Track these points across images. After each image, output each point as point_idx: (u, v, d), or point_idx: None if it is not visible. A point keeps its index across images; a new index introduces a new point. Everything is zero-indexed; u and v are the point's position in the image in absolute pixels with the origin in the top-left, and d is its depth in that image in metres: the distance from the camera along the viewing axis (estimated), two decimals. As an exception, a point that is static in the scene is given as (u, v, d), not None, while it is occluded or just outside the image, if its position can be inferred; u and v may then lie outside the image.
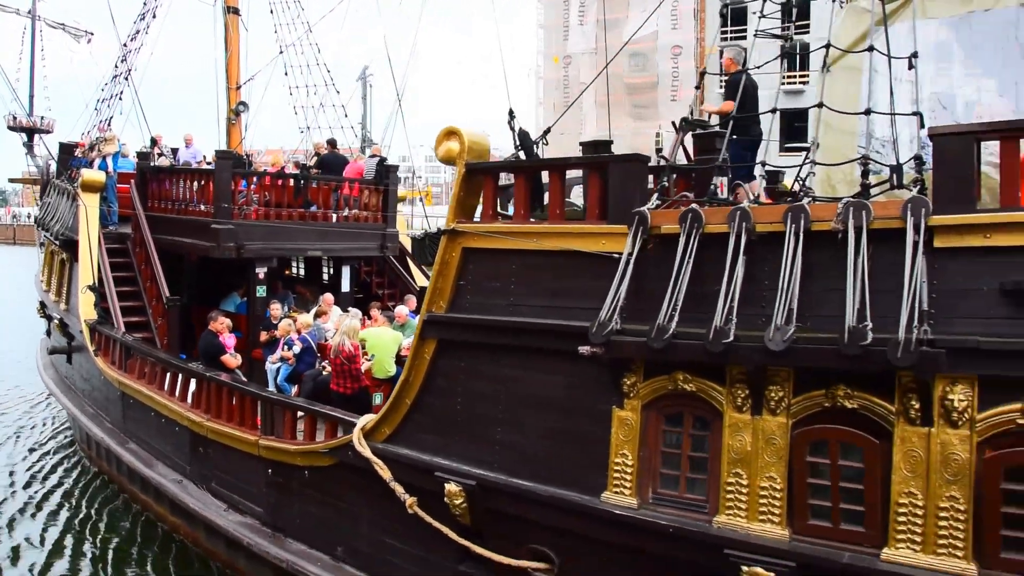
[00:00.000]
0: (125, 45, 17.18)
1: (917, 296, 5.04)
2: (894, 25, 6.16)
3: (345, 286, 15.11)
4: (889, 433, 5.28)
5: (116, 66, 17.23)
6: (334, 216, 14.38)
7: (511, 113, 7.78)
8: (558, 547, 6.81)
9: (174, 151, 17.61)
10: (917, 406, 5.17)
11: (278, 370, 12.32)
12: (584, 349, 6.25)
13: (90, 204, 13.46)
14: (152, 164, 15.06)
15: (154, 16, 17.18)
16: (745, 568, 5.58)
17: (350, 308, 13.29)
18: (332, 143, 15.65)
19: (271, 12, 17.04)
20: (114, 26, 18.24)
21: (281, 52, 16.88)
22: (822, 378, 5.50)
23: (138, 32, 17.32)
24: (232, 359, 10.90)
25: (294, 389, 11.81)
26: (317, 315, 13.11)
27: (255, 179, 13.65)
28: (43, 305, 16.61)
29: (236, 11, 16.35)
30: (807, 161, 6.15)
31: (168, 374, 11.13)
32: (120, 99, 16.72)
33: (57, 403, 16.02)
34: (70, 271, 14.81)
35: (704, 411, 6.03)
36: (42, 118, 23.39)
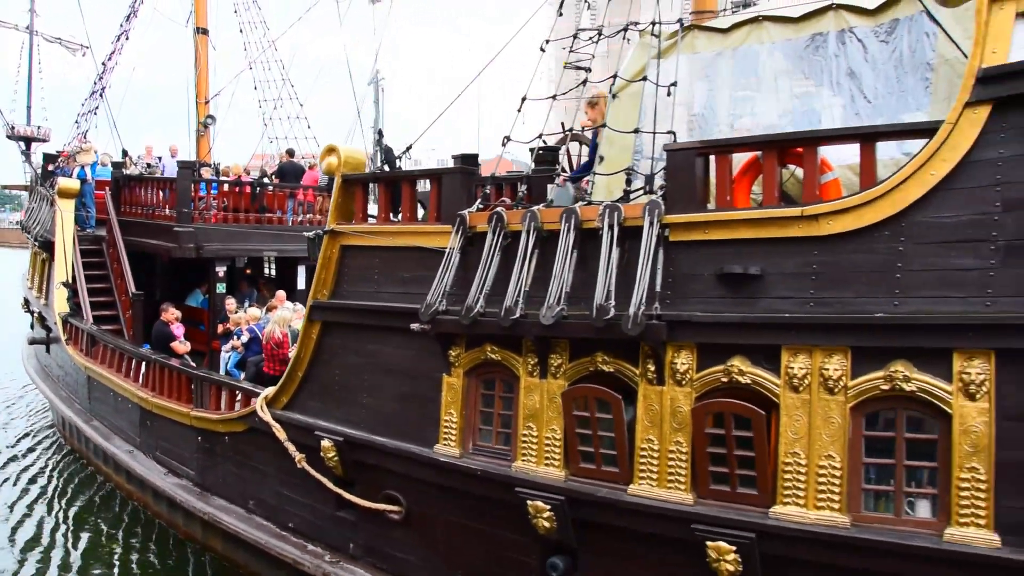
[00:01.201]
0: (103, 64, 18.53)
1: (647, 279, 6.16)
2: (670, 58, 7.26)
3: (300, 284, 16.29)
4: (635, 391, 6.41)
5: (94, 83, 18.56)
6: (289, 220, 15.59)
7: (380, 133, 8.99)
8: (405, 492, 7.99)
9: (159, 159, 18.88)
10: (653, 369, 6.28)
11: (230, 357, 13.58)
12: (414, 326, 7.43)
13: (66, 209, 14.78)
14: (125, 173, 16.37)
15: (127, 38, 18.51)
16: (529, 502, 6.73)
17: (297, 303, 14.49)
18: (291, 153, 16.87)
19: (240, 31, 18.33)
20: (89, 47, 19.26)
21: (251, 68, 18.17)
22: (588, 348, 6.63)
23: (114, 52, 18.64)
24: (180, 345, 12.15)
25: (242, 374, 13.04)
26: (268, 309, 14.32)
27: (213, 186, 14.91)
28: (27, 301, 17.96)
29: (205, 31, 17.64)
30: (592, 172, 7.30)
31: (123, 358, 12.40)
32: (96, 114, 18.03)
33: (37, 389, 17.36)
34: (49, 269, 16.13)
35: (508, 376, 7.17)
36: (39, 127, 24.73)
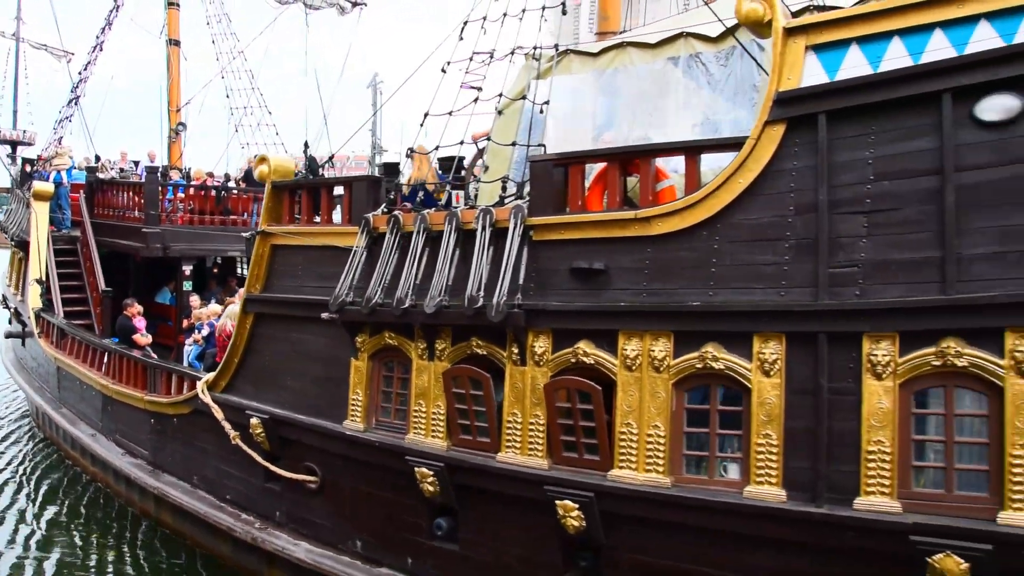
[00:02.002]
0: (79, 73, 19.32)
1: (511, 273, 6.90)
2: (548, 79, 8.01)
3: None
4: (502, 371, 7.15)
5: (71, 91, 19.34)
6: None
7: (306, 144, 9.73)
8: (320, 463, 8.74)
9: (136, 164, 19.63)
10: (517, 351, 7.03)
11: (192, 350, 14.31)
12: (325, 315, 8.19)
13: (40, 210, 15.52)
14: (98, 177, 17.10)
15: (101, 49, 19.25)
16: (416, 469, 7.48)
17: None
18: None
19: (212, 42, 19.10)
20: (73, 54, 19.93)
21: (222, 77, 18.95)
22: (466, 333, 7.37)
23: (89, 63, 19.41)
24: (141, 338, 12.88)
25: (202, 365, 13.78)
26: (225, 305, 15.05)
27: (180, 190, 15.64)
28: (4, 298, 18.71)
29: (177, 43, 18.38)
30: (475, 180, 8.05)
31: (88, 349, 13.15)
32: (71, 120, 18.80)
33: (13, 381, 18.09)
34: (24, 267, 16.87)
35: (403, 359, 7.92)
36: (24, 132, 25.44)
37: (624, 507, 6.40)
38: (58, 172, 16.44)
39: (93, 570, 10.19)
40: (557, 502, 6.60)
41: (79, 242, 16.04)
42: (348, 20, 19.99)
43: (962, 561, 5.10)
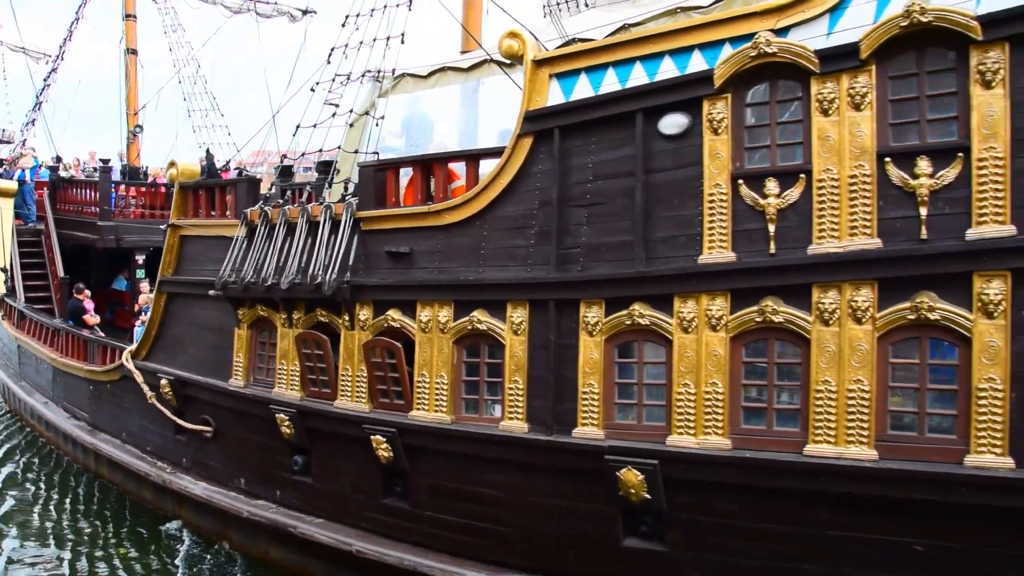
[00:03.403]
0: (44, 80, 20.83)
1: (341, 256, 8.42)
2: (387, 97, 9.52)
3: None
4: (339, 335, 8.67)
5: (36, 97, 20.85)
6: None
7: (208, 151, 11.25)
8: (213, 415, 10.30)
9: (103, 162, 21.08)
10: (348, 319, 8.55)
11: (140, 330, 15.88)
12: (211, 292, 9.72)
13: (4, 206, 17.07)
14: (60, 175, 18.64)
15: (62, 59, 20.76)
16: (278, 415, 9.03)
17: None
18: (208, 153, 19.02)
19: (170, 50, 20.64)
20: (51, 56, 21.16)
21: (180, 82, 20.46)
22: (313, 305, 8.89)
23: (53, 70, 20.90)
24: (90, 318, 14.43)
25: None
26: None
27: (131, 188, 17.19)
28: None
29: (134, 52, 19.84)
30: (330, 182, 9.55)
31: (43, 329, 14.74)
32: (35, 124, 20.34)
33: None
34: (-9, 258, 18.50)
35: (271, 327, 9.45)
36: (3, 131, 26.80)
37: (420, 440, 7.95)
38: (22, 171, 17.95)
39: (37, 516, 11.73)
40: (372, 437, 8.15)
41: (43, 234, 17.58)
42: (299, 27, 21.44)
43: (639, 473, 6.62)
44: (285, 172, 11.36)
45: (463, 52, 11.24)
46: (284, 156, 10.84)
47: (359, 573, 8.60)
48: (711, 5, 7.42)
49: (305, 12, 20.81)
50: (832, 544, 6.12)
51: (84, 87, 23.82)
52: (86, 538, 10.74)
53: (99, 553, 10.29)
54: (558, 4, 12.45)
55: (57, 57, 20.65)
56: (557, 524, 7.26)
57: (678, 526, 6.70)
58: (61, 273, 16.26)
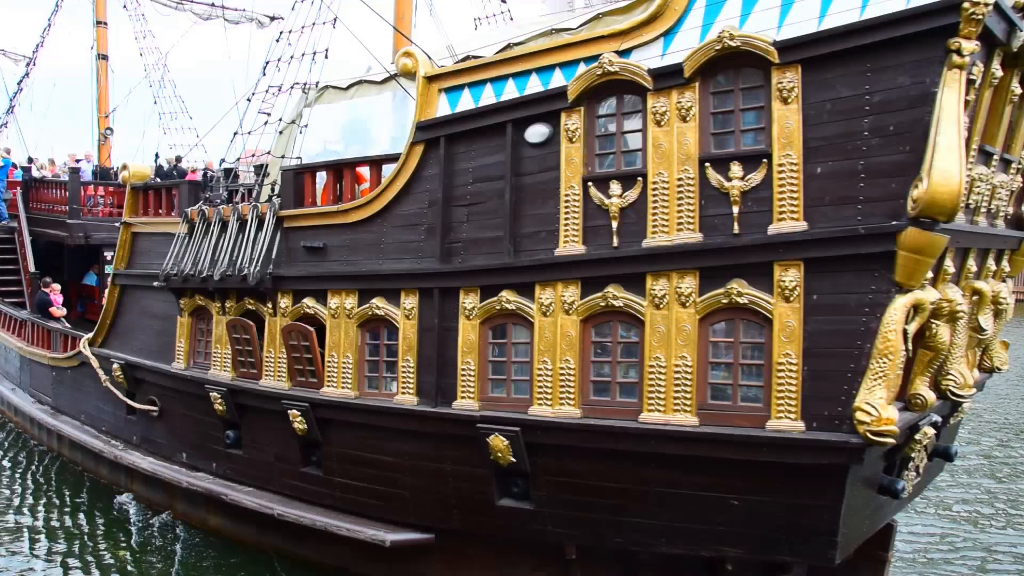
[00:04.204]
0: (18, 83, 21.66)
1: (265, 250, 9.30)
2: (313, 107, 10.39)
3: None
4: (264, 321, 9.55)
5: (10, 100, 21.71)
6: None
7: (156, 155, 12.12)
8: (159, 395, 11.20)
9: (79, 161, 21.92)
10: (271, 307, 9.43)
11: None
12: (156, 283, 10.61)
13: (-24, 206, 17.98)
14: (32, 175, 19.49)
15: (34, 64, 21.57)
16: (211, 394, 9.90)
17: None
18: (178, 159, 19.90)
19: (140, 55, 21.47)
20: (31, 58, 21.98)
21: (150, 86, 21.30)
22: (243, 294, 9.76)
23: (25, 75, 21.76)
24: (56, 310, 15.28)
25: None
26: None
27: (100, 187, 18.03)
28: None
29: (105, 57, 20.64)
30: (259, 185, 10.41)
31: (11, 320, 15.64)
32: (7, 127, 21.19)
33: None
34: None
35: (208, 315, 10.33)
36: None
37: (329, 413, 8.84)
38: (-8, 171, 18.82)
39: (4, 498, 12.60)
40: (289, 412, 9.04)
41: (16, 232, 18.42)
42: (267, 33, 22.20)
43: (504, 439, 7.50)
44: (228, 174, 12.20)
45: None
46: (223, 160, 11.74)
47: (282, 534, 9.53)
48: (579, 27, 8.27)
49: (272, 18, 21.62)
50: (664, 499, 7.02)
51: (59, 88, 24.57)
52: (41, 509, 11.66)
53: (55, 524, 11.19)
54: (487, 17, 13.39)
55: (30, 62, 21.48)
56: (443, 486, 8.15)
57: (541, 486, 7.59)
58: (32, 268, 17.09)
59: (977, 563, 10.30)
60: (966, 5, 5.63)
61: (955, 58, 5.75)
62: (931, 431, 7.31)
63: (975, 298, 7.48)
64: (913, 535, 11.08)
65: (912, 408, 6.95)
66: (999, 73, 6.55)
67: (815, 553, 6.86)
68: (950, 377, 7.47)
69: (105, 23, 20.12)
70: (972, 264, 7.37)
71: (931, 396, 7.00)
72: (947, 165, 5.74)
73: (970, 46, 5.73)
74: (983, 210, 7.27)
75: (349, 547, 8.84)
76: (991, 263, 7.90)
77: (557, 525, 7.63)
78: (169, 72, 21.29)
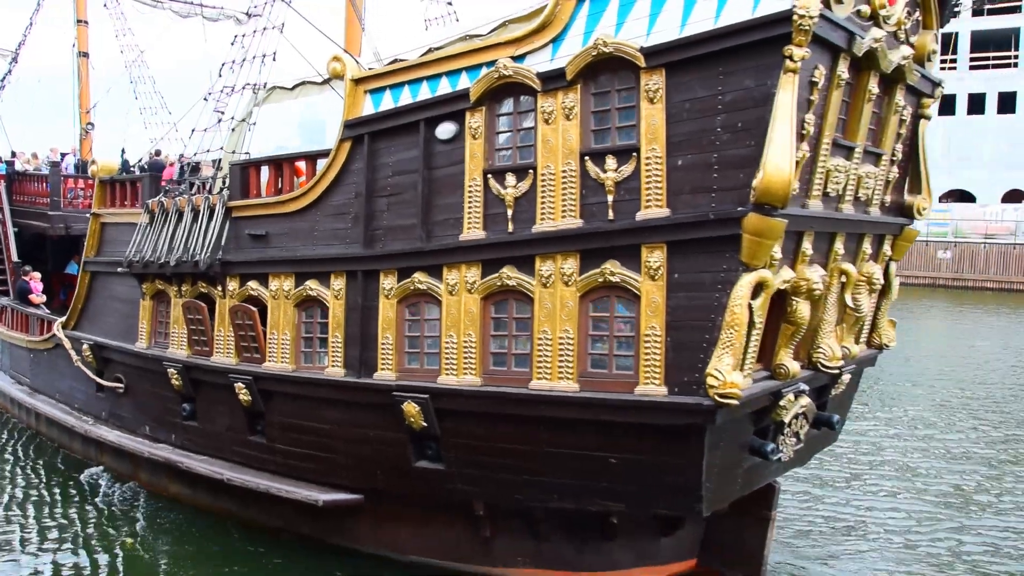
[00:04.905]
0: (2, 79, 22.69)
1: (215, 238, 10.31)
2: (262, 106, 11.40)
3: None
4: (215, 302, 10.57)
5: None
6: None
7: (123, 150, 13.14)
8: (124, 373, 12.24)
9: (63, 155, 23.01)
10: (221, 289, 10.44)
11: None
12: (119, 269, 11.65)
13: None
14: (15, 169, 20.58)
15: (16, 62, 22.61)
16: (169, 370, 10.93)
17: None
18: (157, 152, 20.91)
19: (121, 52, 22.51)
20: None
21: (131, 82, 22.34)
22: (196, 279, 10.78)
23: (9, 72, 22.79)
24: (36, 297, 16.37)
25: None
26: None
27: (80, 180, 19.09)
28: None
29: (86, 55, 21.66)
30: (214, 177, 11.42)
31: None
32: None
33: None
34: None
35: (167, 298, 11.36)
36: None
37: (270, 386, 9.85)
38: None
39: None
40: (235, 385, 10.07)
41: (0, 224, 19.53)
42: (245, 30, 23.14)
43: (416, 406, 8.50)
44: (193, 167, 13.24)
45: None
46: (181, 155, 12.74)
47: (232, 498, 10.57)
48: (488, 33, 9.21)
49: (250, 15, 22.44)
50: (553, 459, 8.00)
51: (43, 85, 25.69)
52: (20, 482, 12.75)
53: (33, 496, 12.28)
54: (436, 18, 14.36)
55: (12, 60, 22.55)
56: (368, 450, 9.16)
57: (449, 449, 8.58)
58: (15, 258, 18.19)
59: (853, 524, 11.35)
60: (795, 17, 6.57)
61: (788, 63, 6.67)
62: (805, 400, 8.27)
63: (843, 279, 8.43)
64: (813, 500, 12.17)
65: (776, 377, 7.91)
66: (845, 75, 7.46)
67: (685, 506, 7.84)
68: (820, 350, 8.43)
69: (86, 22, 21.15)
70: (840, 247, 8.30)
71: (794, 366, 7.94)
72: (778, 158, 6.67)
73: (800, 52, 6.65)
74: (848, 198, 8.21)
75: (292, 508, 9.86)
76: (867, 246, 8.83)
77: (465, 484, 8.63)
78: (148, 69, 22.33)
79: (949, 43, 53.34)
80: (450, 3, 14.01)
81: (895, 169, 9.08)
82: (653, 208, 7.36)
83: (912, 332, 28.76)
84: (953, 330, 33.78)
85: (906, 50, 8.12)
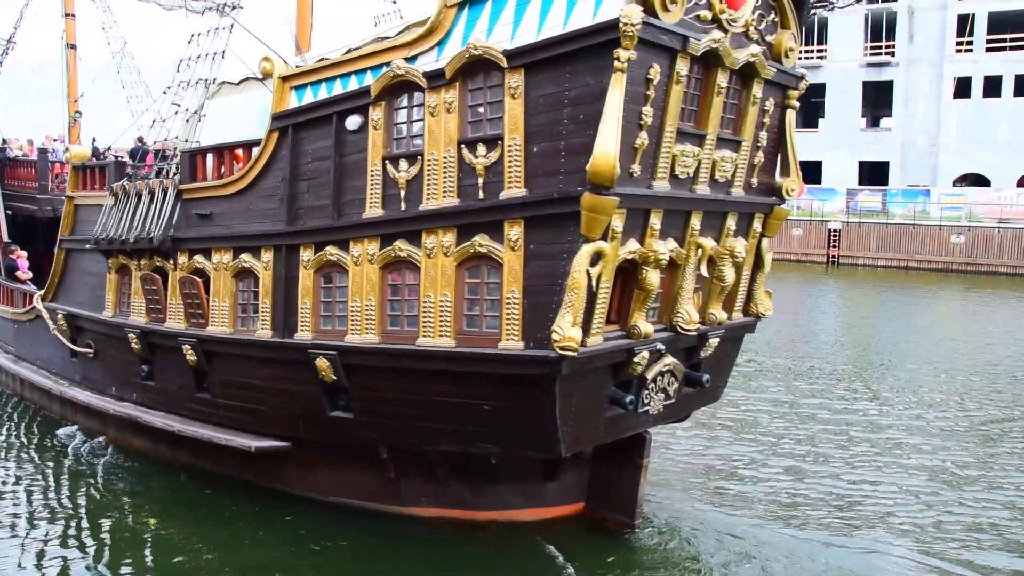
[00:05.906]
0: None
1: (167, 218, 12.14)
2: (215, 99, 13.19)
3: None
4: (167, 274, 12.40)
5: None
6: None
7: (94, 139, 15.02)
8: (94, 340, 14.16)
9: (55, 141, 25.06)
10: (173, 263, 12.27)
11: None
12: (88, 246, 13.55)
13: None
14: (5, 155, 22.62)
15: (6, 54, 24.65)
16: (130, 336, 12.81)
17: None
18: (140, 140, 22.86)
19: (108, 44, 24.48)
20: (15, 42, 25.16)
21: (119, 72, 24.29)
22: (152, 254, 12.62)
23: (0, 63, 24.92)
24: (22, 274, 18.38)
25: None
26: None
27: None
28: None
29: (74, 46, 23.61)
30: (170, 163, 13.21)
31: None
32: None
33: None
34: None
35: (129, 272, 13.23)
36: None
37: (212, 347, 11.68)
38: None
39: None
40: (183, 347, 11.91)
41: (-8, 206, 21.61)
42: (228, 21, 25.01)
43: (327, 361, 10.25)
44: (162, 155, 15.13)
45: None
46: (141, 139, 14.65)
47: (186, 449, 12.45)
48: (396, 35, 10.89)
49: (233, 7, 24.27)
50: (438, 407, 9.71)
51: (33, 75, 27.80)
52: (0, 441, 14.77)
53: (13, 452, 14.26)
54: (384, 15, 16.06)
55: (3, 52, 24.61)
56: (291, 402, 10.96)
57: (356, 399, 10.34)
58: (5, 238, 20.25)
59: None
60: (621, 24, 8.15)
61: (616, 63, 8.25)
62: (668, 359, 9.91)
63: (699, 251, 10.03)
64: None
65: (631, 336, 9.54)
66: (685, 72, 8.99)
67: (546, 448, 9.51)
68: (679, 315, 10.05)
69: (73, 15, 23.09)
70: (696, 223, 9.87)
71: (647, 327, 9.56)
72: (606, 145, 8.26)
73: (626, 55, 8.19)
74: (703, 180, 9.77)
75: (235, 456, 11.70)
76: (731, 224, 10.38)
77: (371, 431, 10.39)
78: (133, 60, 24.28)
79: (966, 25, 54.18)
80: (394, 1, 15.72)
81: (760, 154, 10.59)
82: (514, 189, 8.99)
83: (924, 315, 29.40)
84: (969, 316, 33.39)
85: (756, 48, 9.59)
